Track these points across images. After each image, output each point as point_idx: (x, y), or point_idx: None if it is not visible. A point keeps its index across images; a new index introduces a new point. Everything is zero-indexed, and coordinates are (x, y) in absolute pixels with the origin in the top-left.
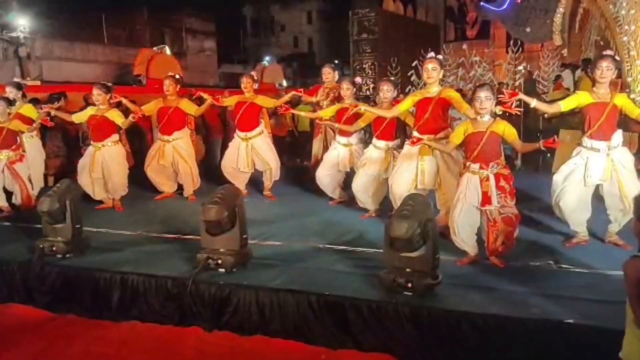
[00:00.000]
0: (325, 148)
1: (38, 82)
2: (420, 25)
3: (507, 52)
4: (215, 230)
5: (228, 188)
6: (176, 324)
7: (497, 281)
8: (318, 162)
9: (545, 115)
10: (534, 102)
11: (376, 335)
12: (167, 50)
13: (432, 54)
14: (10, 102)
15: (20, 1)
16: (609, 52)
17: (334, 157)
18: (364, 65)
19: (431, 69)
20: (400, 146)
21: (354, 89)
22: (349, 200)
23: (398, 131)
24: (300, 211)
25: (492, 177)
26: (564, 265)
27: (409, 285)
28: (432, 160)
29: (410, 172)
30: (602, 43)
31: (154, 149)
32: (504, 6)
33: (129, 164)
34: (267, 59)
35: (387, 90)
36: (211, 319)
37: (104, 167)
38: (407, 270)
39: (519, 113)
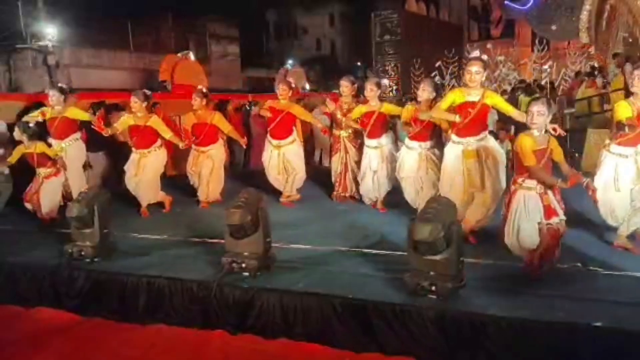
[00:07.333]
0: (346, 165)
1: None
2: (443, 26)
3: (533, 50)
4: (239, 234)
5: (251, 192)
6: (201, 327)
7: (522, 284)
8: (339, 180)
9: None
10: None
11: (400, 339)
12: (192, 56)
13: (476, 52)
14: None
15: (48, 10)
16: None
17: (367, 164)
18: (387, 67)
19: (475, 72)
20: (435, 147)
21: (379, 91)
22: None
23: (434, 133)
24: (324, 214)
25: (549, 191)
26: (591, 268)
27: (433, 288)
28: (476, 163)
29: (458, 175)
30: (630, 40)
31: (191, 159)
32: (529, 4)
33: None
34: (289, 63)
35: (428, 92)
36: (235, 322)
37: (144, 170)
38: (431, 273)
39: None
